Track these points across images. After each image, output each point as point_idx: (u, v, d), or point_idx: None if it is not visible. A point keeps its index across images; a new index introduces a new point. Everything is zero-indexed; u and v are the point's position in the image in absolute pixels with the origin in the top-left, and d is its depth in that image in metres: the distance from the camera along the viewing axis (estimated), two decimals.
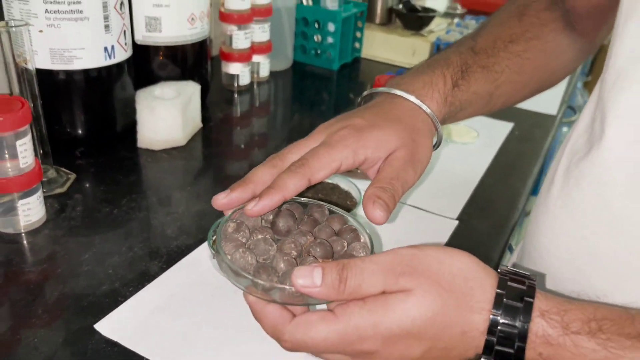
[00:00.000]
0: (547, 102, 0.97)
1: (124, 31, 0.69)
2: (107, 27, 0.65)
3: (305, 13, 1.05)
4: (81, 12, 0.62)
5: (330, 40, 1.05)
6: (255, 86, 0.99)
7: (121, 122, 0.73)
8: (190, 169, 0.74)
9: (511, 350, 0.33)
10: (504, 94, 0.55)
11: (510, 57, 0.54)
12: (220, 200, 0.42)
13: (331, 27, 1.04)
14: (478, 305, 0.33)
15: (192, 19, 0.78)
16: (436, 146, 0.51)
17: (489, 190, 0.72)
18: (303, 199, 0.45)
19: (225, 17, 0.90)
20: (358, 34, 1.13)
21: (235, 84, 0.95)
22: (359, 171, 0.48)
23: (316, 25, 1.06)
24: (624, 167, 0.42)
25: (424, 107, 0.48)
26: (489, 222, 0.66)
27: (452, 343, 0.34)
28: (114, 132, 0.73)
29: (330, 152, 0.43)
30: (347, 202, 0.61)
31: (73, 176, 0.66)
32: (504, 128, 0.88)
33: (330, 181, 0.63)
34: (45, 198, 0.60)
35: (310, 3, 1.08)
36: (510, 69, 0.54)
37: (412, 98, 0.48)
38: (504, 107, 0.58)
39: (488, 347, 0.33)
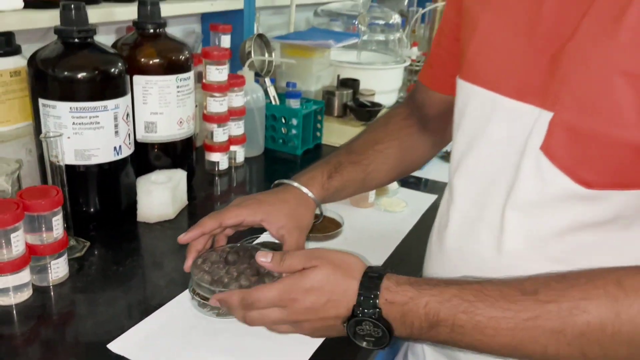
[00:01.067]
0: None
1: (129, 134, 0.92)
2: (116, 132, 0.89)
3: (273, 110, 1.30)
4: (98, 123, 0.86)
5: (294, 131, 1.30)
6: (232, 170, 1.22)
7: (125, 201, 0.95)
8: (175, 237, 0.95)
9: (370, 295, 0.56)
10: (374, 178, 0.82)
11: (376, 153, 0.80)
12: (182, 237, 0.71)
13: (294, 121, 1.29)
14: (355, 275, 0.58)
15: (180, 122, 1.02)
16: (320, 217, 0.80)
17: (408, 246, 0.94)
18: (246, 245, 0.70)
19: (207, 118, 1.14)
20: (319, 125, 1.37)
21: (216, 169, 1.18)
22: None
23: (283, 120, 1.30)
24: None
25: (307, 191, 0.75)
26: (406, 269, 0.87)
27: (340, 296, 0.57)
28: (119, 209, 0.95)
29: (237, 209, 0.72)
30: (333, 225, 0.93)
31: (88, 244, 0.87)
32: (428, 199, 1.11)
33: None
34: (68, 260, 0.81)
35: (278, 102, 1.33)
36: (376, 161, 0.80)
37: (296, 184, 0.75)
38: (378, 187, 0.93)
39: (359, 299, 0.56)
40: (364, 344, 0.58)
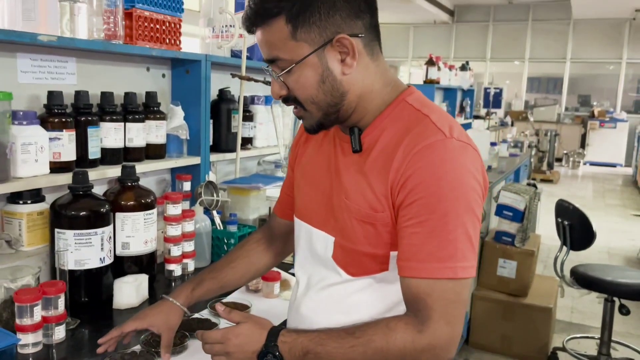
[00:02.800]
0: None
1: (110, 250, 1.43)
2: (102, 248, 1.40)
3: (217, 233, 1.83)
4: (91, 242, 1.37)
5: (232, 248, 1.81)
6: (185, 277, 1.71)
7: (104, 294, 1.44)
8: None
9: (273, 339, 0.98)
10: (228, 285, 1.28)
11: (229, 269, 1.27)
12: (100, 341, 1.18)
13: (232, 241, 1.80)
14: (266, 328, 1.00)
15: (146, 242, 1.54)
16: (186, 315, 1.25)
17: None
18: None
19: (166, 239, 1.65)
20: None
21: (172, 275, 1.67)
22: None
23: (225, 240, 1.82)
24: None
25: (174, 301, 1.20)
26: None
27: (256, 339, 0.99)
28: (101, 299, 1.43)
29: (130, 322, 1.18)
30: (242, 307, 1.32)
31: (78, 321, 1.34)
32: None
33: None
34: (65, 329, 1.28)
35: (221, 228, 1.86)
36: (229, 275, 1.26)
37: (169, 299, 1.21)
38: (234, 290, 1.39)
39: (266, 341, 0.99)
40: None
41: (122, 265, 1.53)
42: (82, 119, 1.52)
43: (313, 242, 1.12)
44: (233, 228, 1.83)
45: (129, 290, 1.44)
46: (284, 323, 1.27)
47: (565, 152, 11.16)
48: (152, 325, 1.17)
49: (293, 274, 1.63)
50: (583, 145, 11.57)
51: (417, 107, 1.01)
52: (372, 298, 1.05)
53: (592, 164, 11.43)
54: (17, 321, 1.18)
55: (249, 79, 2.00)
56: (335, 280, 1.07)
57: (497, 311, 3.22)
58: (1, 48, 1.39)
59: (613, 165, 11.29)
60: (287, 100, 1.03)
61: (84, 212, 1.37)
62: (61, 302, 1.24)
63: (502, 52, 12.66)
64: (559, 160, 10.96)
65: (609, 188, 9.03)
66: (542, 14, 12.07)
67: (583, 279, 2.90)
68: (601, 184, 9.42)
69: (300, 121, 1.08)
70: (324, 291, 1.10)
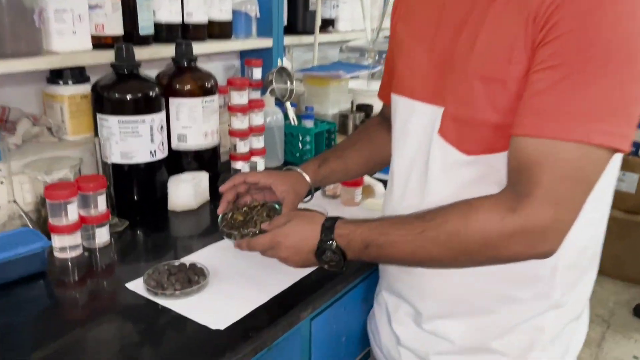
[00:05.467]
0: None
1: (162, 142, 1.21)
2: (152, 139, 1.18)
3: (291, 129, 1.56)
4: (138, 132, 1.15)
5: (307, 147, 1.55)
6: None
7: (158, 194, 1.23)
8: (198, 223, 1.21)
9: (328, 233, 0.81)
10: (353, 169, 1.08)
11: (353, 151, 1.07)
12: (222, 187, 1.01)
13: (307, 138, 1.54)
14: (318, 222, 0.83)
15: (206, 134, 1.30)
16: (311, 195, 1.04)
17: None
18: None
19: (231, 133, 1.41)
20: (333, 143, 1.61)
21: None
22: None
23: (299, 137, 1.56)
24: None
25: (303, 173, 1.01)
26: None
27: (309, 236, 0.83)
28: (154, 200, 1.23)
29: (256, 173, 1.02)
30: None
31: (127, 223, 1.15)
32: None
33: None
34: (111, 233, 1.09)
35: (296, 123, 1.59)
36: (353, 156, 1.06)
37: (297, 169, 1.02)
38: (359, 176, 1.16)
39: (322, 236, 0.82)
40: (329, 266, 0.83)
41: (179, 161, 1.31)
42: None
43: (415, 121, 0.85)
44: (309, 123, 1.56)
45: (187, 190, 1.23)
46: None
47: None
48: (277, 186, 0.99)
49: (381, 180, 1.37)
50: None
51: None
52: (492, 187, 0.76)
53: None
54: (50, 220, 0.99)
55: None
56: (444, 162, 0.81)
57: (610, 229, 2.81)
58: None
59: None
60: None
61: (130, 95, 1.14)
62: (102, 200, 1.04)
63: None
64: None
65: None
66: None
67: None
68: None
69: None
70: (431, 179, 0.85)
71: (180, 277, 0.91)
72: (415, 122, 0.85)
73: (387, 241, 0.77)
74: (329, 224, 0.83)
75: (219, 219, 1.00)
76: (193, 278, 0.92)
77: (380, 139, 1.08)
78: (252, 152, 1.46)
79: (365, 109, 1.68)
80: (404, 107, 0.88)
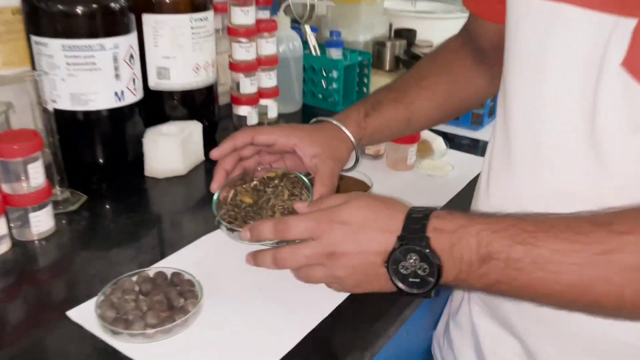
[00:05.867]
0: None
1: (134, 79, 0.83)
2: (117, 76, 0.80)
3: (312, 62, 1.17)
4: (95, 64, 0.77)
5: (334, 85, 1.16)
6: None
7: (132, 154, 0.87)
8: (188, 197, 0.85)
9: (418, 223, 0.49)
10: (420, 117, 0.72)
11: (420, 90, 0.70)
12: (214, 152, 0.65)
13: (335, 74, 1.15)
14: (400, 207, 0.52)
15: (197, 68, 0.92)
16: (355, 160, 0.70)
17: None
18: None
19: (233, 66, 1.03)
20: (365, 80, 1.23)
21: (245, 125, 1.07)
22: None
23: (323, 73, 1.17)
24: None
25: (342, 127, 0.67)
26: None
27: (383, 226, 0.51)
28: (125, 162, 0.87)
29: (271, 129, 0.66)
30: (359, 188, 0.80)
31: (84, 198, 0.79)
32: (479, 163, 0.94)
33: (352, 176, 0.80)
34: (59, 214, 0.74)
35: (318, 53, 1.20)
36: (421, 98, 0.70)
37: (334, 121, 0.67)
38: (427, 127, 0.80)
39: (405, 229, 0.49)
40: (406, 286, 0.50)
41: (160, 107, 0.94)
42: None
43: (563, 40, 0.48)
44: (336, 54, 1.16)
45: (170, 147, 0.86)
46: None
47: None
48: (304, 148, 0.65)
49: (442, 133, 1.00)
50: None
51: None
52: None
53: None
54: None
55: None
56: (630, 120, 0.45)
57: None
58: None
59: None
60: None
61: (81, 8, 0.75)
62: (37, 169, 0.68)
63: None
64: None
65: None
66: None
67: None
68: None
69: None
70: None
71: (156, 302, 0.56)
72: (567, 43, 0.48)
73: (530, 256, 0.43)
74: (420, 212, 0.51)
75: (213, 201, 0.65)
76: (176, 302, 0.57)
77: (463, 75, 0.73)
78: (261, 93, 1.08)
79: (407, 35, 1.29)
80: (539, 16, 0.50)
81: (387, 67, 1.29)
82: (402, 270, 0.49)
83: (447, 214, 0.50)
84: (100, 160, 0.84)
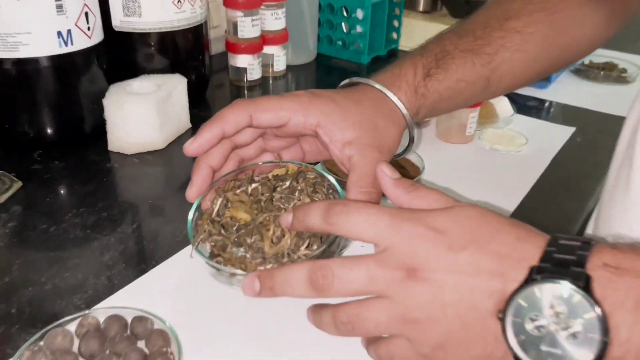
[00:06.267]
0: (619, 100, 0.78)
1: (86, 13, 0.58)
2: (59, 8, 0.55)
3: None
4: None
5: (359, 29, 0.91)
6: (270, 81, 0.87)
7: (89, 121, 0.63)
8: (166, 178, 0.62)
9: (572, 251, 0.29)
10: (506, 75, 0.49)
11: (507, 35, 0.48)
12: (189, 144, 0.41)
13: (360, 14, 0.90)
14: (535, 230, 0.32)
15: (179, 1, 0.67)
16: (408, 143, 0.46)
17: (533, 213, 0.56)
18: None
19: (229, 2, 0.78)
20: (395, 23, 0.98)
21: (245, 79, 0.83)
22: None
23: (344, 13, 0.92)
24: None
25: (391, 95, 0.43)
26: None
27: (505, 248, 0.30)
28: (80, 133, 0.63)
29: (280, 100, 0.41)
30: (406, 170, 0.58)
31: (18, 184, 0.56)
32: (561, 133, 0.71)
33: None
34: None
35: None
36: (508, 47, 0.48)
37: (377, 85, 0.44)
38: (513, 90, 0.53)
39: (546, 258, 0.29)
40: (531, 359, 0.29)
41: (128, 55, 0.69)
42: None
43: None
44: None
45: (143, 112, 0.62)
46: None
47: None
48: (331, 131, 0.41)
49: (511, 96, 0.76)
50: None
51: None
52: None
53: None
54: None
55: None
56: None
57: None
58: None
59: None
60: None
61: None
62: None
63: None
64: None
65: None
66: None
67: None
68: None
69: None
70: None
71: None
72: None
73: None
74: (570, 240, 0.30)
75: (188, 222, 0.41)
76: None
77: (566, 13, 0.51)
78: (265, 38, 0.83)
79: None
80: None
81: (422, 6, 1.03)
82: (529, 328, 0.28)
83: (620, 247, 0.29)
84: (45, 131, 0.60)
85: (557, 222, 0.55)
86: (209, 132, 0.41)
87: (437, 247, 0.31)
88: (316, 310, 0.35)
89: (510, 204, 0.56)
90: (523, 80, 0.52)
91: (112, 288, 0.44)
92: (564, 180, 0.62)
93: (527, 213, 0.55)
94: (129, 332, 0.39)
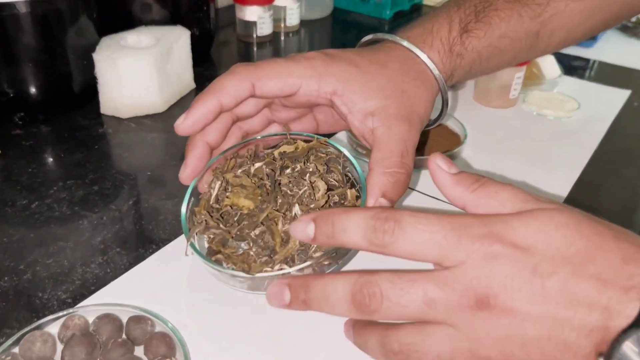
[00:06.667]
0: None
1: None
2: None
3: None
4: None
5: None
6: (282, 37, 0.79)
7: (77, 80, 0.55)
8: (167, 145, 0.54)
9: None
10: (558, 29, 0.42)
11: None
12: (181, 121, 0.34)
13: None
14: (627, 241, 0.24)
15: None
16: (441, 111, 0.40)
17: (595, 192, 0.48)
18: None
19: None
20: None
21: (254, 35, 0.74)
22: None
23: None
24: None
25: (423, 55, 0.37)
26: None
27: (609, 271, 0.23)
28: (68, 93, 0.55)
29: (288, 64, 0.34)
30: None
31: None
32: (617, 97, 0.62)
33: None
34: None
35: None
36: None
37: (405, 43, 0.37)
38: (565, 47, 0.45)
39: None
40: None
41: (127, 6, 0.60)
42: None
43: None
44: None
45: (140, 69, 0.53)
46: None
47: None
48: (350, 100, 0.34)
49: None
50: None
51: None
52: None
53: None
54: None
55: None
56: None
57: None
58: None
59: None
60: None
61: None
62: None
63: None
64: None
65: None
66: None
67: None
68: None
69: None
70: None
71: None
72: None
73: None
74: None
75: (183, 207, 0.34)
76: None
77: None
78: None
79: None
80: None
81: None
82: None
83: None
84: (27, 90, 0.52)
85: (621, 196, 0.47)
86: (204, 106, 0.34)
87: (518, 270, 0.23)
88: (360, 331, 0.28)
89: (566, 180, 0.48)
90: (578, 36, 0.44)
91: (104, 278, 0.36)
92: (626, 152, 0.54)
93: (587, 192, 0.47)
94: (124, 336, 0.32)
